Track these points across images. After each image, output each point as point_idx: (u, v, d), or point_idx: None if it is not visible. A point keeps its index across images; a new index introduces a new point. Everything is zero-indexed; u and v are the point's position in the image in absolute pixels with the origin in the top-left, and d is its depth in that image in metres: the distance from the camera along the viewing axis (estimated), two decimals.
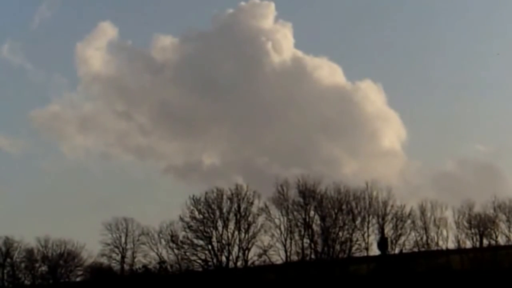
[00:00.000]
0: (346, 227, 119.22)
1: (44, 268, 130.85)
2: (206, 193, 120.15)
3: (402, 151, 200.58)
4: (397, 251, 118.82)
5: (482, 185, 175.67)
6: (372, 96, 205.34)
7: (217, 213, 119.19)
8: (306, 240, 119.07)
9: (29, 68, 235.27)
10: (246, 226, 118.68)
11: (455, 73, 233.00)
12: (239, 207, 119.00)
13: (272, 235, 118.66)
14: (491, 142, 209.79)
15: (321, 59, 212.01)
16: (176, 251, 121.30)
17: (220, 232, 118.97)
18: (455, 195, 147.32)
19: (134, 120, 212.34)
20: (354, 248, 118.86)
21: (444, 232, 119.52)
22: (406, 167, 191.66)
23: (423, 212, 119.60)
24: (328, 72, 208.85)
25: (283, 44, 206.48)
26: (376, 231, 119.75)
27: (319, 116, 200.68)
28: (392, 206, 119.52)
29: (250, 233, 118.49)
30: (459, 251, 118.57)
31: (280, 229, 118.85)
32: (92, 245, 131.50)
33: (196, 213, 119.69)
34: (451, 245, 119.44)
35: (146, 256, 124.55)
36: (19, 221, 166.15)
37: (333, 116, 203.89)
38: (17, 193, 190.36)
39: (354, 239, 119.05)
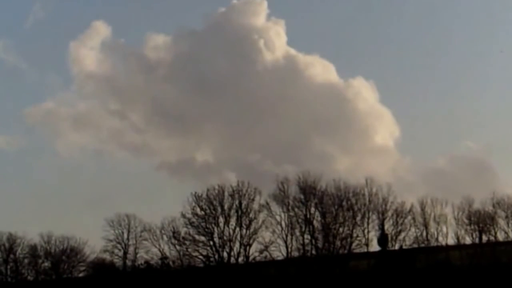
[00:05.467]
0: (347, 223, 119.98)
1: (47, 263, 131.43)
2: (208, 189, 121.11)
3: (395, 148, 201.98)
4: (397, 247, 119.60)
5: (474, 181, 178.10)
6: (364, 93, 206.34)
7: (219, 209, 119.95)
8: (307, 236, 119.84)
9: (24, 67, 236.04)
10: (247, 222, 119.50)
11: (447, 71, 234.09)
12: (240, 203, 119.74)
13: (273, 231, 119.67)
14: (481, 139, 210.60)
15: (314, 57, 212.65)
16: (178, 247, 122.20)
17: (222, 228, 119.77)
18: (447, 192, 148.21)
19: (127, 118, 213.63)
20: (354, 244, 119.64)
21: (444, 228, 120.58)
22: (399, 163, 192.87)
23: (423, 208, 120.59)
24: (320, 69, 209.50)
25: (275, 41, 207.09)
26: (376, 227, 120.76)
27: (311, 113, 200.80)
28: (392, 202, 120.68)
29: (251, 229, 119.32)
30: (459, 247, 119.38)
31: (281, 225, 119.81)
32: (94, 241, 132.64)
33: (198, 209, 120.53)
34: (451, 241, 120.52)
35: (148, 252, 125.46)
36: (18, 217, 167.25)
37: (325, 114, 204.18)
38: (15, 190, 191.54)
39: (355, 235, 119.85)
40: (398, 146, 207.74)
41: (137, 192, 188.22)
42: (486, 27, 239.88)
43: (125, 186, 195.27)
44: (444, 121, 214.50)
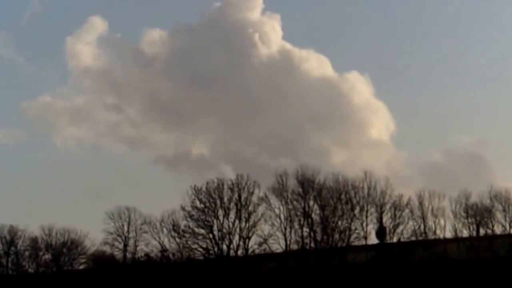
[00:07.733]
0: (345, 216, 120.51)
1: (47, 256, 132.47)
2: (207, 183, 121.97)
3: (390, 141, 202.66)
4: (395, 240, 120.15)
5: (469, 174, 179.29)
6: (359, 87, 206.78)
7: (218, 202, 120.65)
8: (306, 229, 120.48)
9: (21, 61, 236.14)
10: (246, 215, 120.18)
11: (441, 65, 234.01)
12: (239, 196, 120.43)
13: (272, 224, 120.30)
14: (474, 133, 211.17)
15: (309, 51, 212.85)
16: (177, 239, 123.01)
17: (221, 221, 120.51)
18: (443, 185, 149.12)
19: (124, 112, 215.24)
20: (352, 237, 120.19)
21: (442, 221, 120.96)
22: (394, 157, 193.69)
23: (421, 201, 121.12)
24: (315, 63, 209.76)
25: (271, 36, 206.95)
26: (375, 220, 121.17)
27: (307, 107, 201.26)
28: (390, 195, 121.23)
29: (251, 222, 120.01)
30: (456, 240, 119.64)
31: (280, 218, 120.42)
32: (95, 234, 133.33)
33: (198, 202, 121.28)
34: (448, 234, 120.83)
35: (148, 245, 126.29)
36: (20, 210, 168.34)
37: (321, 108, 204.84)
38: (15, 183, 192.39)
39: (353, 228, 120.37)
40: (394, 140, 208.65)
41: (134, 185, 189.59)
42: (481, 22, 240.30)
43: (122, 179, 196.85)
44: (438, 115, 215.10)
